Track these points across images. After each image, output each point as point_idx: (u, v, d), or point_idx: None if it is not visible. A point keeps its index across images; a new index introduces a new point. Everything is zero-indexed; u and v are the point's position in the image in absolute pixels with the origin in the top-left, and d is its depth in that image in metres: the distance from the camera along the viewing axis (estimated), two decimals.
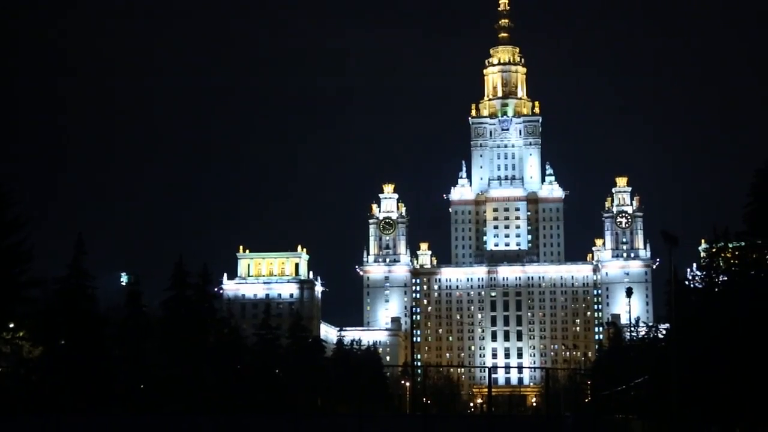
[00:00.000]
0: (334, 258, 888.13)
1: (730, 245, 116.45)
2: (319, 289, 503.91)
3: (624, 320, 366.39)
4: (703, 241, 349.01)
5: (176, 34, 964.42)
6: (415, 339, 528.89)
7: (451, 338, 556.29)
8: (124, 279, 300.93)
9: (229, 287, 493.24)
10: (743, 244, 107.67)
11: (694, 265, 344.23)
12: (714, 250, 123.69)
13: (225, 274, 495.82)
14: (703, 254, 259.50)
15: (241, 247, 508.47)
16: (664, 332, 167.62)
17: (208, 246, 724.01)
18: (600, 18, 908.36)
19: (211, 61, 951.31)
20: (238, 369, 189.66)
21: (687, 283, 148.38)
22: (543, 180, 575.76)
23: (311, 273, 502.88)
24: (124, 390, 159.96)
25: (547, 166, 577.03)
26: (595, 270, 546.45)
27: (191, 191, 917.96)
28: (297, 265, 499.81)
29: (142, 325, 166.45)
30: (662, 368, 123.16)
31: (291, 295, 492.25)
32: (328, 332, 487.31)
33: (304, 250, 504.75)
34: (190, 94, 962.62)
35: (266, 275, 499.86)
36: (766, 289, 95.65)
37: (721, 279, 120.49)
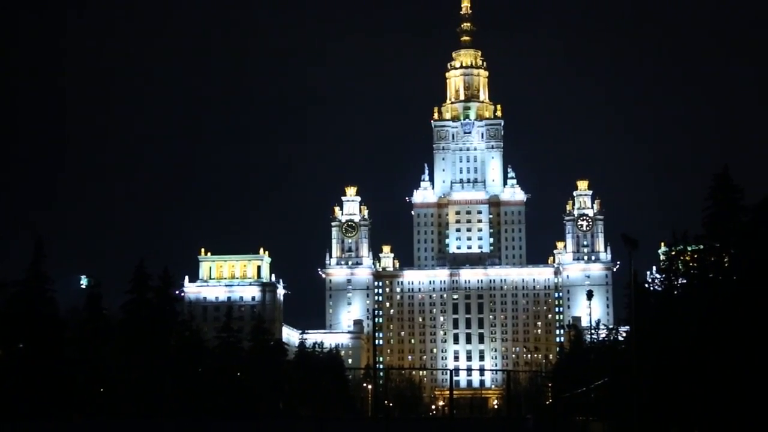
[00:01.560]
0: (296, 261, 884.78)
1: (689, 248, 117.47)
2: (281, 291, 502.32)
3: (585, 323, 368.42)
4: (662, 244, 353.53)
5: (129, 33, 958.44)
6: (377, 342, 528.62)
7: (413, 341, 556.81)
8: (83, 282, 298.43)
9: (191, 290, 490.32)
10: (702, 247, 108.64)
11: (654, 268, 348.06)
12: (673, 253, 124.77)
13: (186, 277, 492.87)
14: (662, 257, 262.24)
15: (202, 250, 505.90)
16: (624, 335, 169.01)
17: (169, 249, 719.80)
18: (562, 23, 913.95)
19: (171, 63, 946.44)
20: (199, 372, 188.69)
21: (647, 285, 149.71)
22: (505, 183, 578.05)
23: (273, 276, 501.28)
24: (83, 394, 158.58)
25: (509, 170, 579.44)
26: (557, 273, 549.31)
27: (152, 194, 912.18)
28: (259, 267, 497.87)
29: (102, 328, 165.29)
30: (622, 370, 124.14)
31: (253, 298, 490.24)
32: (290, 335, 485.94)
33: (266, 252, 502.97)
34: (148, 95, 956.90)
35: (228, 278, 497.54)
36: (724, 291, 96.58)
37: (680, 282, 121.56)
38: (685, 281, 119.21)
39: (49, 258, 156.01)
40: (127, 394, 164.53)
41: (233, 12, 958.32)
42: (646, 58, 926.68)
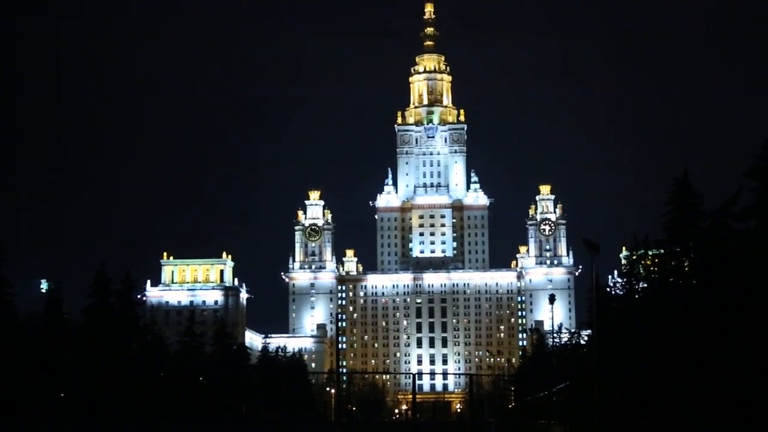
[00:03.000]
0: (259, 265, 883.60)
1: (650, 253, 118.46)
2: (244, 296, 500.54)
3: (547, 326, 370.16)
4: (624, 248, 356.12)
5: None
6: (340, 346, 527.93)
7: (376, 345, 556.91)
8: (44, 286, 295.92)
9: (153, 294, 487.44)
10: (662, 251, 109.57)
11: (616, 272, 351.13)
12: (634, 257, 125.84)
13: (148, 281, 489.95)
14: (624, 261, 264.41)
15: (164, 254, 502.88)
16: (586, 338, 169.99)
17: (131, 253, 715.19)
18: (525, 29, 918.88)
19: (141, 68, 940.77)
20: (161, 376, 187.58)
21: (608, 289, 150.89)
22: (468, 187, 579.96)
23: (236, 280, 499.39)
24: (43, 399, 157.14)
25: (473, 174, 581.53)
26: (519, 277, 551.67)
27: (114, 197, 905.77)
28: (222, 271, 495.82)
29: (63, 332, 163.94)
30: (584, 374, 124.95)
31: (215, 302, 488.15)
32: (253, 339, 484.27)
33: (229, 256, 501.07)
34: (110, 100, 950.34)
35: (190, 282, 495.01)
36: (684, 295, 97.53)
37: (641, 286, 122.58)
38: (645, 285, 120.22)
39: (8, 262, 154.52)
40: (89, 399, 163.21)
41: (194, 14, 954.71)
42: (608, 63, 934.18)
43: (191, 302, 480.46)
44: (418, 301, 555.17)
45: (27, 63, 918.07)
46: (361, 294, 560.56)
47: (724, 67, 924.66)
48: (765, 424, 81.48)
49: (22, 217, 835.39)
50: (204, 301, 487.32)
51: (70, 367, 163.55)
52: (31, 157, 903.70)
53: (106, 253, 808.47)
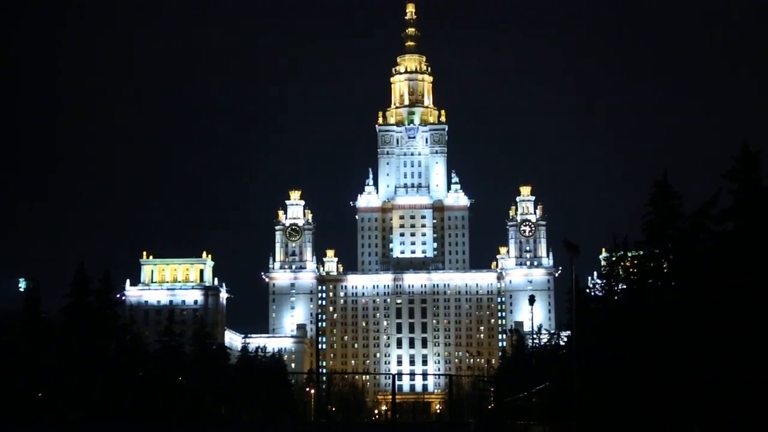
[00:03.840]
0: (239, 264, 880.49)
1: (629, 254, 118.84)
2: (223, 295, 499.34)
3: (527, 327, 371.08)
4: (603, 250, 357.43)
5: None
6: (320, 346, 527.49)
7: (356, 345, 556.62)
8: (22, 285, 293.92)
9: (132, 293, 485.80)
10: (641, 253, 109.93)
11: (595, 273, 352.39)
12: (614, 258, 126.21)
13: (128, 280, 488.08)
14: (603, 263, 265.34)
15: (144, 253, 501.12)
16: (565, 339, 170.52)
17: (111, 252, 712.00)
18: (506, 29, 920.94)
19: (120, 72, 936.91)
20: (140, 376, 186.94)
21: (588, 291, 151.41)
22: (449, 188, 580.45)
23: (216, 279, 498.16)
24: (22, 398, 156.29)
25: (453, 175, 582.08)
26: (499, 278, 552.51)
27: (94, 196, 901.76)
28: (201, 271, 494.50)
29: (41, 331, 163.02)
30: (563, 375, 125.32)
31: (195, 302, 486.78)
32: (233, 339, 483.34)
33: (209, 256, 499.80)
34: (90, 100, 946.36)
35: (170, 281, 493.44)
36: (663, 296, 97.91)
37: (620, 287, 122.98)
38: (625, 286, 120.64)
39: None
40: (67, 398, 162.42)
41: (175, 17, 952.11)
42: (589, 65, 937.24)
43: (171, 302, 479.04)
44: (399, 301, 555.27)
45: (22, 63, 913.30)
46: (342, 294, 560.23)
47: (703, 69, 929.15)
48: (743, 425, 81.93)
49: (0, 215, 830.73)
50: (183, 301, 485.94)
51: (48, 366, 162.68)
52: (10, 156, 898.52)
53: (85, 252, 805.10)
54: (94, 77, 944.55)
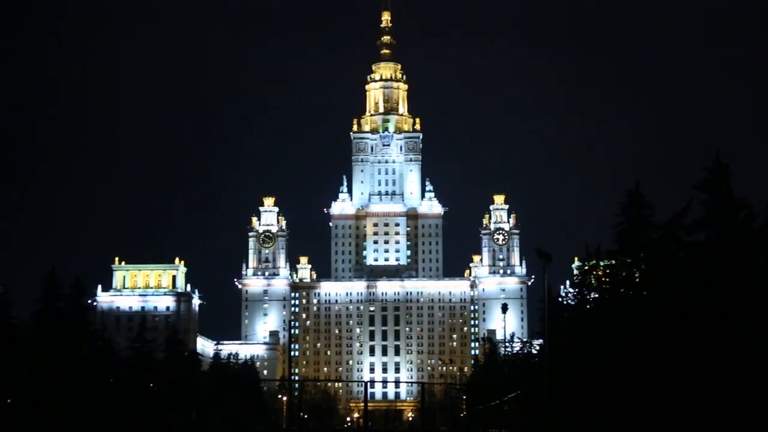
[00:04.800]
0: (212, 271, 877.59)
1: (602, 263, 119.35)
2: (196, 302, 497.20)
3: (500, 335, 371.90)
4: (576, 259, 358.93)
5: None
6: (293, 353, 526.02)
7: (329, 352, 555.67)
8: None
9: (104, 299, 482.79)
10: (614, 262, 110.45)
11: (568, 282, 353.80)
12: (586, 268, 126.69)
13: (99, 286, 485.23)
14: (576, 272, 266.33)
15: (116, 259, 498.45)
16: (537, 348, 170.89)
17: (83, 257, 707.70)
18: (481, 37, 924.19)
19: (87, 72, 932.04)
20: (111, 382, 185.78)
21: (560, 299, 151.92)
22: (423, 196, 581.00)
23: (188, 285, 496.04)
24: None
25: (427, 183, 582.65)
26: (473, 286, 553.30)
27: (66, 200, 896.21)
28: (174, 277, 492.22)
29: (11, 337, 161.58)
30: (535, 383, 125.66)
31: (167, 308, 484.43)
32: (205, 346, 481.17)
33: (182, 262, 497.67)
34: (65, 105, 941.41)
35: (142, 287, 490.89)
36: (634, 306, 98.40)
37: (592, 296, 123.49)
38: (597, 295, 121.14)
39: None
40: (37, 405, 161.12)
41: (148, 20, 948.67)
42: (564, 75, 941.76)
43: (143, 308, 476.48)
44: (372, 309, 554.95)
45: None
46: (315, 301, 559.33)
47: (677, 80, 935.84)
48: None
49: None
50: (155, 307, 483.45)
51: (17, 372, 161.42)
52: None
53: (56, 257, 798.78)
54: (69, 84, 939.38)
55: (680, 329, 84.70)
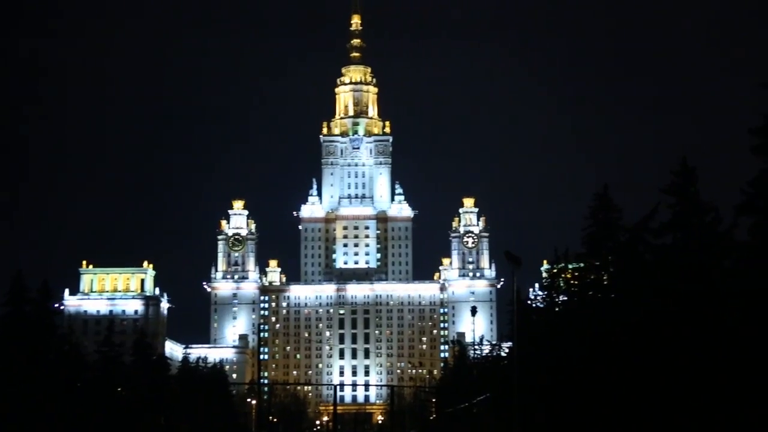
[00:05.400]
0: (181, 274, 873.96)
1: (570, 266, 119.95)
2: (164, 305, 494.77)
3: (469, 338, 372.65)
4: (545, 262, 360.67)
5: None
6: (262, 357, 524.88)
7: (298, 356, 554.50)
8: None
9: (71, 303, 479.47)
10: (582, 265, 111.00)
11: (537, 285, 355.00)
12: (555, 270, 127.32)
13: (66, 290, 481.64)
14: (544, 275, 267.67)
15: (84, 262, 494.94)
16: (507, 350, 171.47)
17: (49, 261, 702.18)
18: (451, 40, 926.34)
19: (56, 71, 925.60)
20: (78, 387, 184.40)
21: (529, 302, 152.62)
22: (393, 199, 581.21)
23: (157, 289, 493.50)
24: None
25: (397, 186, 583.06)
26: (442, 289, 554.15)
27: (32, 202, 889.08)
28: (142, 280, 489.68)
29: None
30: (504, 386, 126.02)
31: (135, 312, 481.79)
32: (174, 350, 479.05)
33: (150, 266, 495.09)
34: (36, 105, 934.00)
35: (110, 291, 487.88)
36: (602, 309, 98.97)
37: (561, 299, 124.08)
38: (565, 298, 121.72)
39: None
40: (2, 410, 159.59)
41: (120, 20, 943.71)
42: (531, 78, 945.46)
43: (110, 311, 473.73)
44: (341, 312, 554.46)
45: None
46: (284, 304, 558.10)
47: (643, 84, 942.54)
48: None
49: None
50: (124, 311, 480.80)
51: None
52: None
53: (23, 261, 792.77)
54: (40, 83, 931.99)
55: (648, 331, 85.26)
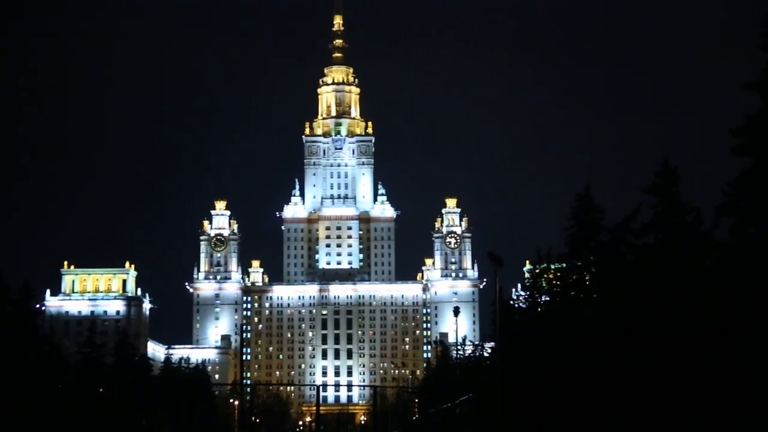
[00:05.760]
0: (163, 275, 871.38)
1: (552, 266, 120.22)
2: (147, 306, 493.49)
3: (452, 339, 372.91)
4: (527, 262, 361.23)
5: None
6: (245, 357, 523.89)
7: (281, 356, 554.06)
8: None
9: (52, 304, 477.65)
10: (564, 265, 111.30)
11: (519, 285, 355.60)
12: (537, 271, 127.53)
13: (48, 290, 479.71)
14: (527, 275, 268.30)
15: (65, 263, 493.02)
16: (489, 351, 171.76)
17: (30, 261, 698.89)
18: (433, 41, 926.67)
19: (34, 71, 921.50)
20: (60, 388, 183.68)
21: (512, 302, 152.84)
22: (375, 200, 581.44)
23: (139, 290, 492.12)
24: None
25: (380, 186, 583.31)
26: (425, 289, 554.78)
27: (14, 202, 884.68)
28: (124, 281, 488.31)
29: None
30: (487, 386, 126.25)
31: (117, 312, 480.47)
32: (156, 350, 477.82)
33: (132, 266, 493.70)
34: (18, 105, 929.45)
35: (92, 291, 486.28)
36: (584, 309, 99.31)
37: (543, 299, 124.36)
38: (548, 298, 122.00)
39: None
40: None
41: (102, 20, 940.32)
42: (514, 78, 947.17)
43: (92, 312, 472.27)
44: (324, 312, 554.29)
45: None
46: (267, 305, 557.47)
47: (626, 85, 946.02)
48: None
49: None
50: (105, 311, 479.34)
51: None
52: None
53: (4, 261, 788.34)
54: (22, 83, 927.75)
55: (629, 331, 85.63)
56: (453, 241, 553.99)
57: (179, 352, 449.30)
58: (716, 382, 74.25)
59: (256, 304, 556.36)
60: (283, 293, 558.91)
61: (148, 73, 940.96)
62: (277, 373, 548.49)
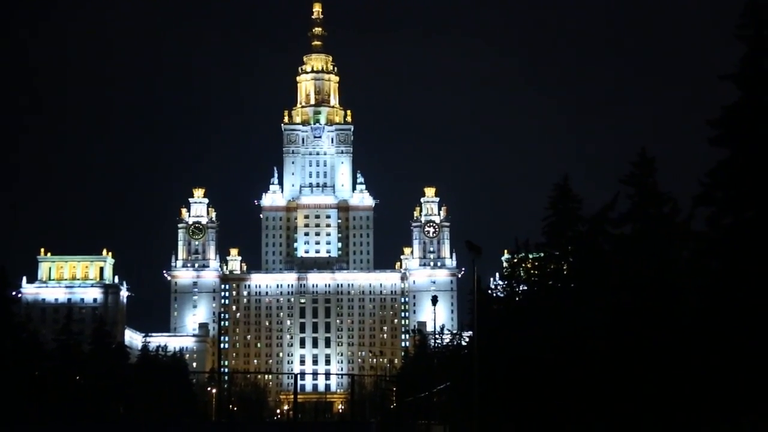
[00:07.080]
0: (141, 262, 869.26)
1: (531, 256, 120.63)
2: (124, 294, 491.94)
3: (430, 328, 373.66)
4: (506, 251, 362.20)
5: None
6: (222, 345, 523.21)
7: (259, 345, 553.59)
8: None
9: (29, 291, 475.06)
10: (542, 255, 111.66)
11: (497, 274, 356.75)
12: (515, 260, 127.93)
13: (24, 278, 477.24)
14: (505, 264, 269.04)
15: (42, 250, 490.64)
16: (467, 339, 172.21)
17: (6, 248, 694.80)
18: (412, 29, 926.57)
19: (15, 62, 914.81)
20: (36, 375, 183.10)
21: (490, 291, 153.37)
22: (354, 188, 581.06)
23: (116, 277, 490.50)
24: None
25: (358, 175, 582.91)
26: (403, 278, 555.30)
27: None
28: (101, 269, 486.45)
29: None
30: (464, 374, 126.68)
31: (94, 300, 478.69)
32: (134, 338, 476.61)
33: (110, 254, 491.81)
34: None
35: (69, 279, 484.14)
36: (562, 298, 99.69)
37: (521, 288, 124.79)
38: (526, 288, 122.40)
39: None
40: None
41: (82, 12, 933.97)
42: (494, 66, 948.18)
43: (69, 300, 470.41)
44: (302, 301, 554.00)
45: None
46: (245, 293, 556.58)
47: (604, 76, 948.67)
48: (643, 422, 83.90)
49: None
50: (82, 299, 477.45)
51: None
52: None
53: None
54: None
55: (606, 320, 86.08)
56: (431, 230, 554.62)
57: (157, 340, 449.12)
58: (694, 372, 74.77)
59: (234, 293, 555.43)
60: (262, 281, 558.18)
61: (125, 62, 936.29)
62: (255, 361, 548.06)
